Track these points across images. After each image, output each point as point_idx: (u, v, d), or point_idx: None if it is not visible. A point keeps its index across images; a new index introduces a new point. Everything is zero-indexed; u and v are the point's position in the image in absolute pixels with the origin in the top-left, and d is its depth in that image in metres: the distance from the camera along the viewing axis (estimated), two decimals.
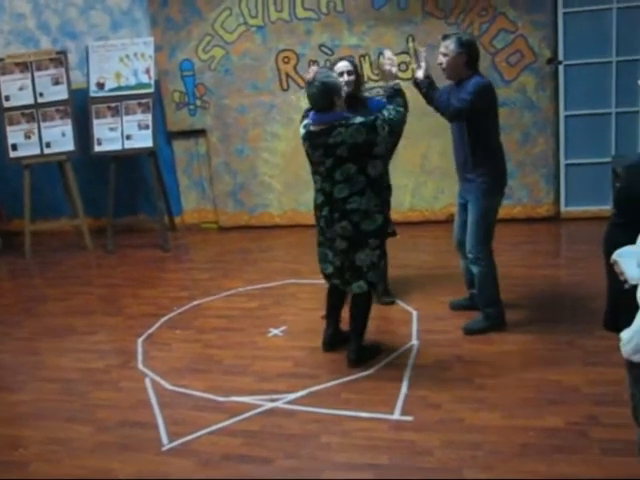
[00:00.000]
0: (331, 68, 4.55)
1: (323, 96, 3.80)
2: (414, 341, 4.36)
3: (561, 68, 6.34)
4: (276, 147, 7.08)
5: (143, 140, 6.96)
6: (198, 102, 7.19)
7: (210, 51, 7.02)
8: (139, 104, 6.97)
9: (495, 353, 4.12)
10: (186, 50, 7.06)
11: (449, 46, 4.17)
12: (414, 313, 4.78)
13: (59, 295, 5.91)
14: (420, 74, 4.23)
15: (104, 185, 7.03)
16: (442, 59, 4.21)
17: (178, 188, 7.58)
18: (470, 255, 4.32)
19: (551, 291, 5.00)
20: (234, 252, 6.70)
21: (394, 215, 5.02)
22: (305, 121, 3.99)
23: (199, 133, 7.33)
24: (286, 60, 6.85)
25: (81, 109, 7.08)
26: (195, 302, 5.40)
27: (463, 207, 4.43)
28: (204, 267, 6.32)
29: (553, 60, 6.31)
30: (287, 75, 6.86)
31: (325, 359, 4.25)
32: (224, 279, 5.88)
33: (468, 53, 4.19)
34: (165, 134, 7.39)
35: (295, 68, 6.84)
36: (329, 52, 6.69)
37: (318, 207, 4.03)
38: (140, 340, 4.79)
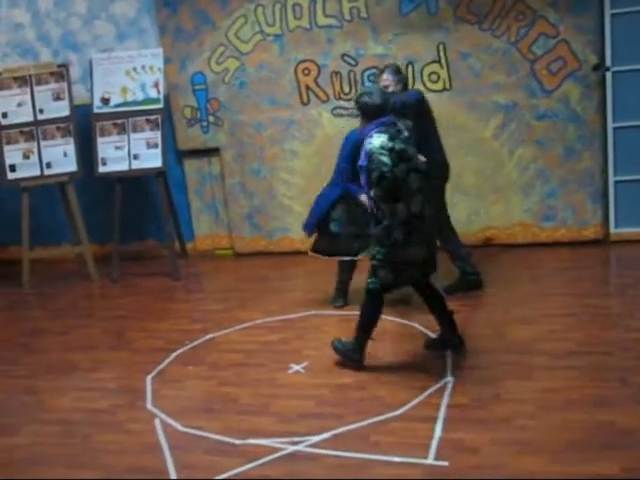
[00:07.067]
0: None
1: None
2: (448, 378, 4.34)
3: (609, 75, 6.32)
4: (295, 166, 7.14)
5: (151, 160, 7.03)
6: (211, 118, 7.28)
7: (224, 63, 7.10)
8: (147, 121, 7.05)
9: (538, 391, 4.07)
10: (198, 62, 7.16)
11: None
12: None
13: (60, 329, 5.94)
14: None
15: (109, 209, 7.10)
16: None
17: (189, 211, 7.66)
18: None
19: (599, 322, 4.95)
20: (251, 281, 6.73)
21: None
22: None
23: (212, 152, 7.41)
24: (306, 72, 6.90)
25: (84, 127, 7.18)
26: (209, 335, 5.41)
27: None
28: (218, 297, 6.35)
29: (600, 67, 6.29)
30: (307, 88, 6.92)
31: (351, 398, 4.23)
32: (240, 310, 5.89)
33: None
34: (175, 153, 7.48)
35: (316, 80, 6.90)
36: (352, 62, 6.74)
37: None
38: (149, 377, 4.80)
